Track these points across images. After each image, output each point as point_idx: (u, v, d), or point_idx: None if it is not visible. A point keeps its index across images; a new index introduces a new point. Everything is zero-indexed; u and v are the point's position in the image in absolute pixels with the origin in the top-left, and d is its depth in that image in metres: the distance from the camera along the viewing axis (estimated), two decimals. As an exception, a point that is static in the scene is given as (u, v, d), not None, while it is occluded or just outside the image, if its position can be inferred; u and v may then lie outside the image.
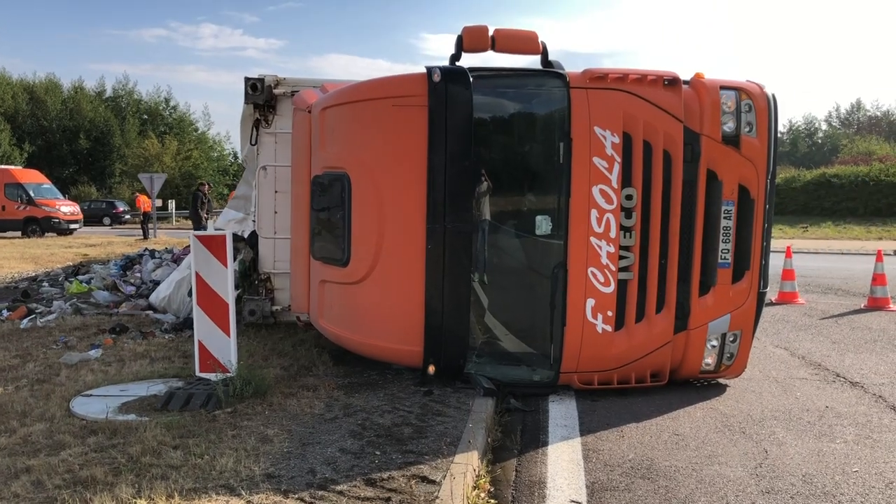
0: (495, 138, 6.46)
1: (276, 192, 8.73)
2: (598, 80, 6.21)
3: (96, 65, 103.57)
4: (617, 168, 6.16)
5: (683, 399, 6.45)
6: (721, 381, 6.96)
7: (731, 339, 6.63)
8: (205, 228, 24.24)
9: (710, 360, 6.66)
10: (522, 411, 6.16)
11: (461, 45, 6.46)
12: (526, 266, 6.73)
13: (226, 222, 9.74)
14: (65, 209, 34.15)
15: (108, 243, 27.23)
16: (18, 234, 32.67)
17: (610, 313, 6.27)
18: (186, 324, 8.94)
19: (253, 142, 8.68)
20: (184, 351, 7.88)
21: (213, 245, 6.12)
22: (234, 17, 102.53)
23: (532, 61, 6.72)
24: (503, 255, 6.79)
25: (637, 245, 6.31)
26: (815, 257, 21.90)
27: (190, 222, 25.77)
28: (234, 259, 9.40)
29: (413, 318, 6.32)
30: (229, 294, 6.12)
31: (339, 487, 4.39)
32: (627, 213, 6.26)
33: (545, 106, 6.49)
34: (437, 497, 4.25)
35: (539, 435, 5.60)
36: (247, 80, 8.50)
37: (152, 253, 13.74)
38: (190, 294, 9.10)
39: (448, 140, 6.12)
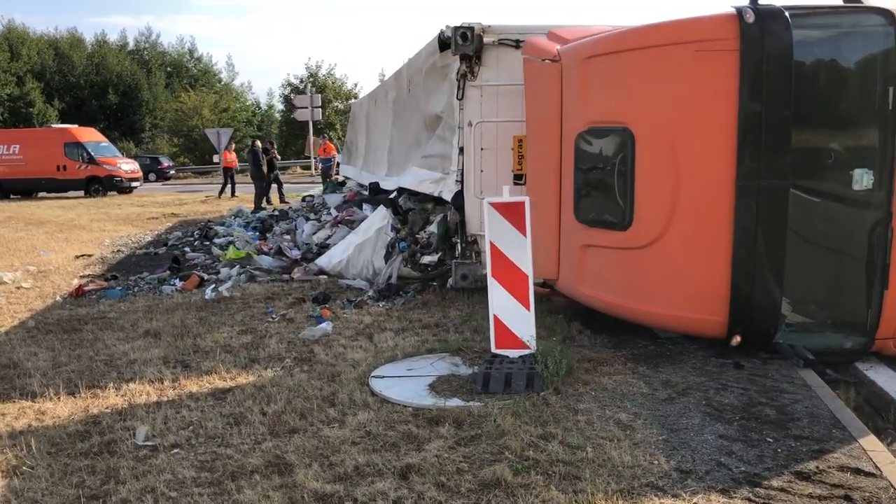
0: (806, 83, 5.83)
1: (481, 149, 8.20)
2: (927, 15, 5.56)
3: (96, 18, 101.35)
4: (949, 113, 5.55)
5: None
6: None
7: None
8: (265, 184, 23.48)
9: None
10: (844, 382, 5.68)
11: (764, -19, 5.81)
12: (824, 226, 6.15)
13: (418, 182, 9.21)
14: (125, 167, 33.66)
15: (179, 202, 26.78)
16: (81, 193, 32.28)
17: (935, 274, 5.73)
18: (391, 290, 8.52)
19: (459, 96, 8.10)
20: (416, 320, 7.47)
21: (511, 212, 5.62)
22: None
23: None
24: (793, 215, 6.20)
25: (965, 197, 5.72)
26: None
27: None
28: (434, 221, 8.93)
29: (714, 285, 5.82)
30: (529, 265, 5.64)
31: (773, 483, 3.97)
32: (958, 162, 5.66)
33: (864, 46, 5.84)
34: (901, 493, 3.81)
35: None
36: (456, 28, 7.90)
37: (307, 216, 13.25)
38: (388, 258, 8.69)
39: (765, 87, 5.52)
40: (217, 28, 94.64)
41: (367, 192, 12.87)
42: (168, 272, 10.60)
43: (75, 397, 5.65)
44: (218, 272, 10.45)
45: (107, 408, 5.42)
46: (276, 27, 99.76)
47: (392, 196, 9.65)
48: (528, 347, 5.68)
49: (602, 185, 6.41)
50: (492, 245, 5.68)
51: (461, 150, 8.26)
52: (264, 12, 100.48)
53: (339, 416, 5.02)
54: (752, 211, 5.65)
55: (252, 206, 20.89)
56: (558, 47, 6.95)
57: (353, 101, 25.45)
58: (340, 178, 20.79)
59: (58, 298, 9.37)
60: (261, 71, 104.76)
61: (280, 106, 66.74)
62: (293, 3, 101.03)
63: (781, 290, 5.78)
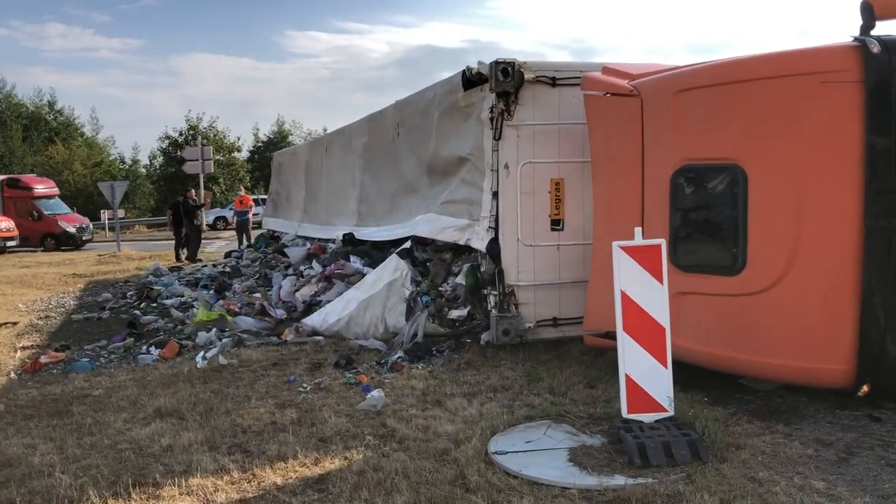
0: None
1: (520, 192, 7.60)
2: None
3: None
4: None
5: None
6: None
7: None
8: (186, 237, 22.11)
9: None
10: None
11: (872, 14, 5.58)
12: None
13: (439, 230, 8.41)
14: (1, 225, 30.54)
15: (70, 262, 24.43)
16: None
17: None
18: (421, 349, 7.67)
19: (497, 136, 7.49)
20: (475, 383, 6.67)
21: (645, 257, 5.01)
22: (84, 17, 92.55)
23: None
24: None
25: None
26: None
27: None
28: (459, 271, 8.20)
29: (838, 332, 5.40)
30: (666, 315, 5.03)
31: None
32: None
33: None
34: None
35: None
36: (496, 64, 7.31)
37: (283, 272, 11.92)
38: (409, 315, 7.89)
39: (894, 119, 5.23)
40: (70, 81, 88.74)
41: (334, 245, 11.90)
42: (131, 339, 9.24)
43: (129, 501, 4.48)
44: (189, 336, 9.20)
45: (181, 512, 4.32)
46: (138, 81, 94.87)
47: (407, 246, 8.80)
48: (666, 410, 5.03)
49: (706, 226, 5.94)
50: (623, 295, 5.04)
51: (495, 195, 7.60)
52: (125, 67, 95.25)
53: (492, 504, 4.17)
54: (881, 251, 5.30)
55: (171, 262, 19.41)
56: (628, 82, 6.50)
57: (277, 151, 24.36)
58: (264, 232, 19.58)
59: (12, 375, 7.87)
60: (124, 124, 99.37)
61: (145, 160, 63.92)
62: (153, 57, 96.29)
63: (915, 335, 5.42)
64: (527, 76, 7.45)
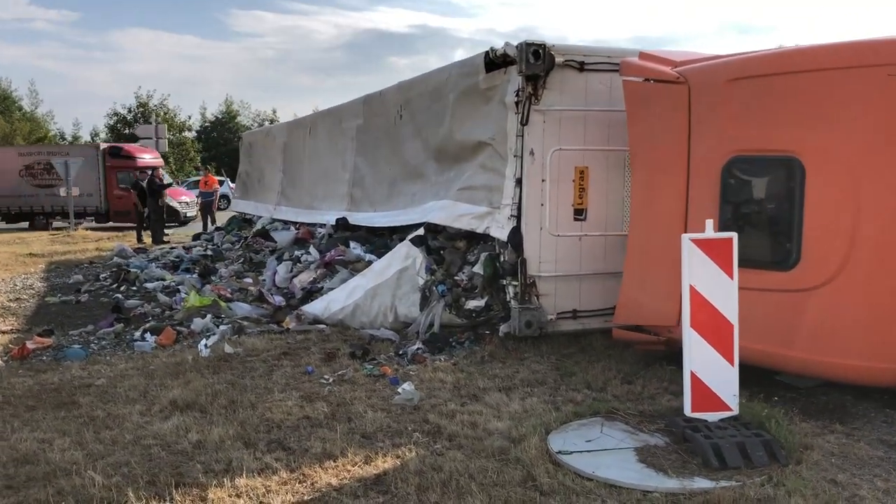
0: None
1: (542, 180, 7.35)
2: None
3: None
4: None
5: None
6: None
7: None
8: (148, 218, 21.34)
9: None
10: None
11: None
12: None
13: (455, 217, 8.09)
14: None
15: (21, 241, 23.35)
16: None
17: None
18: (439, 340, 7.39)
19: (524, 121, 7.22)
20: (506, 377, 6.44)
21: (716, 251, 4.82)
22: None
23: None
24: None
25: None
26: None
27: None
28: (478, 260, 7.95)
29: (891, 329, 5.32)
30: (735, 312, 4.86)
31: None
32: None
33: None
34: None
35: None
36: (527, 45, 7.04)
37: (278, 256, 11.37)
38: (424, 304, 7.62)
39: (960, 116, 5.15)
40: (3, 52, 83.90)
41: (323, 230, 11.49)
42: (119, 325, 8.74)
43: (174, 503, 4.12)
44: (181, 322, 8.74)
45: (236, 517, 3.98)
46: (74, 55, 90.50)
47: (420, 233, 8.47)
48: (731, 409, 4.87)
49: (759, 219, 5.79)
50: (692, 290, 4.85)
51: (518, 182, 7.34)
52: (61, 39, 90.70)
53: (577, 510, 3.94)
54: (942, 248, 5.22)
55: (133, 243, 18.64)
56: (672, 69, 6.31)
57: (246, 132, 23.59)
58: (236, 214, 18.97)
59: (-1, 362, 7.35)
60: (60, 99, 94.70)
61: (87, 137, 61.75)
62: (91, 30, 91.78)
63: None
64: (556, 59, 7.19)
